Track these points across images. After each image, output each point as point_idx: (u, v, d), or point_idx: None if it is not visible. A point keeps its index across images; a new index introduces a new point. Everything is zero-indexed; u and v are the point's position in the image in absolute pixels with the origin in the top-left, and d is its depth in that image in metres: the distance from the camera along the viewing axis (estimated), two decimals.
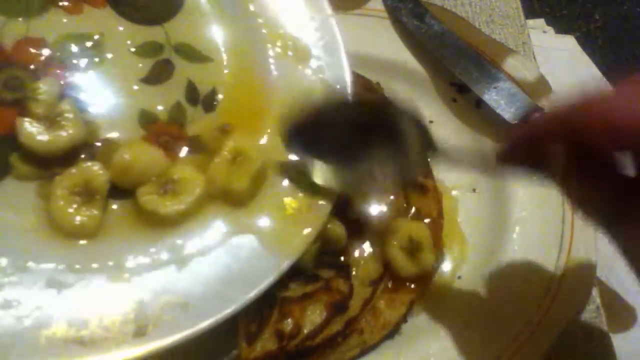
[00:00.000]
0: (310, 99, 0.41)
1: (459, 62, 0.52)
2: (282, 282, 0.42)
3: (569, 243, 0.46)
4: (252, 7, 0.45)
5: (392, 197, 0.46)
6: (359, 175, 0.40)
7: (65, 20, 0.42)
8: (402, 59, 0.54)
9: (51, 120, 0.38)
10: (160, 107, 0.42)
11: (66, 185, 0.37)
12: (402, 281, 0.44)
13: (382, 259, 0.44)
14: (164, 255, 0.38)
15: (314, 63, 0.45)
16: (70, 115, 0.38)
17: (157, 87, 0.42)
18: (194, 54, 0.44)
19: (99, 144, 0.40)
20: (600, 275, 0.49)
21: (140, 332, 0.35)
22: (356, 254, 0.44)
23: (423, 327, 0.45)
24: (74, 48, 0.41)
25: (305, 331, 0.40)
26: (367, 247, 0.45)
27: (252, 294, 0.37)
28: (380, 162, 0.39)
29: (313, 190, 0.40)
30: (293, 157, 0.41)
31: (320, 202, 0.40)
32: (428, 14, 0.54)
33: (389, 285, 0.44)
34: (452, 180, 0.51)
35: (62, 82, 0.40)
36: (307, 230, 0.39)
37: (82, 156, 0.39)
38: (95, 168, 0.38)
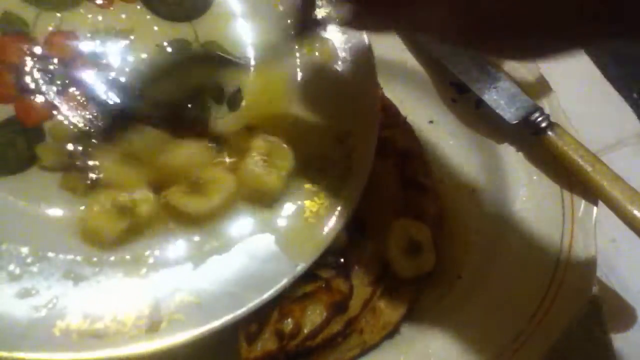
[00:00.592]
0: None
1: (459, 62, 0.52)
2: None
3: (569, 243, 0.46)
4: (281, 7, 0.45)
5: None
6: None
7: (96, 15, 0.41)
8: (402, 59, 0.54)
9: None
10: (185, 104, 0.42)
11: (109, 203, 0.38)
12: (402, 281, 0.44)
13: (382, 259, 0.44)
14: (182, 253, 0.38)
15: (340, 65, 0.45)
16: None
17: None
18: (222, 52, 0.44)
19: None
20: (600, 275, 0.49)
21: (153, 328, 0.35)
22: (356, 254, 0.44)
23: (423, 327, 0.45)
24: (105, 42, 0.41)
25: (306, 331, 0.40)
26: (367, 247, 0.45)
27: (266, 295, 0.37)
28: None
29: (332, 194, 0.41)
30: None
31: (339, 207, 0.40)
32: None
33: (389, 285, 0.44)
34: (452, 180, 0.51)
35: (87, 75, 0.40)
36: (323, 235, 0.40)
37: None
38: (145, 196, 0.38)
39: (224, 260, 0.38)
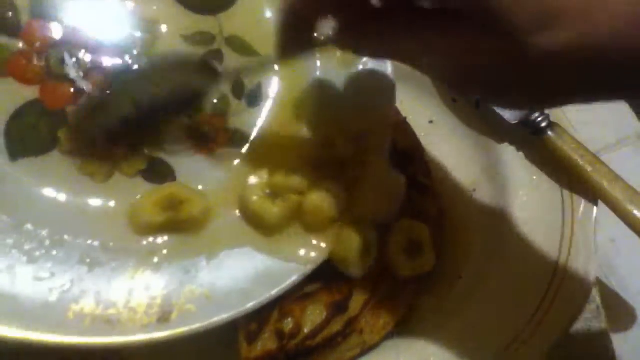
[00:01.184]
0: None
1: None
2: None
3: (568, 243, 0.46)
4: None
5: None
6: None
7: (125, 2, 0.41)
8: None
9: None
10: (206, 99, 0.42)
11: (159, 200, 0.38)
12: (402, 281, 0.44)
13: (382, 259, 0.44)
14: (197, 245, 0.38)
15: (360, 68, 0.45)
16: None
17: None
18: (244, 48, 0.44)
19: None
20: (600, 276, 0.49)
21: (164, 318, 0.36)
22: None
23: (423, 327, 0.45)
24: (127, 28, 0.41)
25: (306, 331, 0.40)
26: None
27: (275, 291, 0.38)
28: None
29: (345, 194, 0.41)
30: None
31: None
32: None
33: (389, 285, 0.44)
34: (452, 180, 0.51)
35: (113, 63, 0.40)
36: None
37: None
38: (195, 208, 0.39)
39: (235, 255, 0.39)
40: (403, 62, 0.32)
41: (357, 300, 0.42)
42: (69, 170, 0.38)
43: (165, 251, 0.38)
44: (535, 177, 0.49)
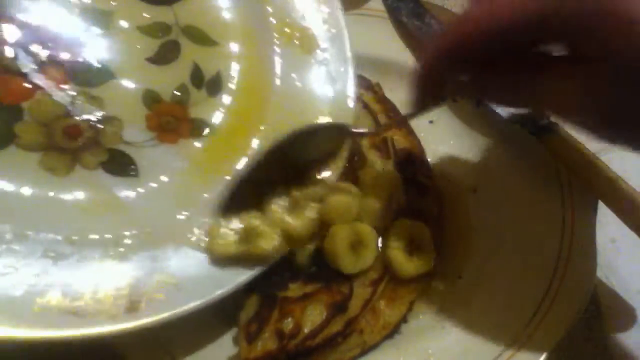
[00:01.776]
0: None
1: None
2: (282, 282, 0.42)
3: (569, 243, 0.46)
4: None
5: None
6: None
7: None
8: (402, 59, 0.54)
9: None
10: (164, 88, 0.42)
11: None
12: (402, 281, 0.44)
13: (382, 259, 0.44)
14: (163, 234, 0.38)
15: (319, 54, 0.45)
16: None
17: (162, 68, 0.43)
18: (201, 37, 0.44)
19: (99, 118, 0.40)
20: (600, 276, 0.49)
21: (133, 308, 0.36)
22: None
23: (423, 327, 0.45)
24: (83, 22, 0.41)
25: (306, 331, 0.40)
26: None
27: (243, 278, 0.38)
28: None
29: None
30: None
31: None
32: (428, 14, 0.54)
33: (389, 286, 0.44)
34: (452, 180, 0.51)
35: (69, 57, 0.40)
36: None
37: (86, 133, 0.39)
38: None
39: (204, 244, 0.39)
40: (541, 110, 0.33)
41: (357, 300, 0.42)
42: (28, 164, 0.38)
43: (130, 241, 0.38)
44: (535, 177, 0.49)
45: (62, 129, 0.39)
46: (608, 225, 0.46)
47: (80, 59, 0.40)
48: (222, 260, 0.39)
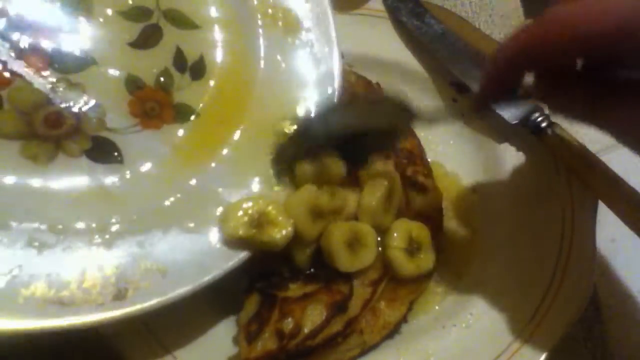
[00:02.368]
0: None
1: (459, 62, 0.52)
2: (282, 282, 0.42)
3: (568, 243, 0.46)
4: None
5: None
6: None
7: None
8: (402, 59, 0.54)
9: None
10: (147, 73, 0.42)
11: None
12: (402, 281, 0.44)
13: (382, 259, 0.44)
14: (148, 221, 0.38)
15: (303, 35, 0.45)
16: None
17: (144, 52, 0.42)
18: (183, 21, 0.43)
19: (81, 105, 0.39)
20: (600, 276, 0.49)
21: (120, 296, 0.36)
22: None
23: (423, 327, 0.45)
24: (62, 7, 0.40)
25: (306, 331, 0.40)
26: None
27: (230, 264, 0.38)
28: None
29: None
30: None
31: None
32: (428, 14, 0.54)
33: (389, 286, 0.44)
34: (453, 180, 0.51)
35: (49, 44, 0.39)
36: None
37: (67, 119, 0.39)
38: None
39: (190, 230, 0.39)
40: (604, 131, 0.33)
41: (357, 300, 0.42)
42: (9, 153, 0.37)
43: (116, 228, 0.38)
44: (535, 177, 0.49)
45: (43, 117, 0.38)
46: (608, 225, 0.46)
47: (60, 45, 0.40)
48: (227, 241, 0.39)
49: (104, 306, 0.35)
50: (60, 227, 0.37)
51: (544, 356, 0.42)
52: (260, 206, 0.39)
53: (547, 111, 0.49)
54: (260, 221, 0.39)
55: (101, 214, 0.38)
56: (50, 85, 0.39)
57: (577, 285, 0.44)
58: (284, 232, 0.39)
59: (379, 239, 0.44)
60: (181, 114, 0.42)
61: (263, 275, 0.42)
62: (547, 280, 0.45)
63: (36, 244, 0.36)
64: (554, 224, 0.47)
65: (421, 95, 0.54)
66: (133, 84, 0.41)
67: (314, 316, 0.41)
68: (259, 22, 0.44)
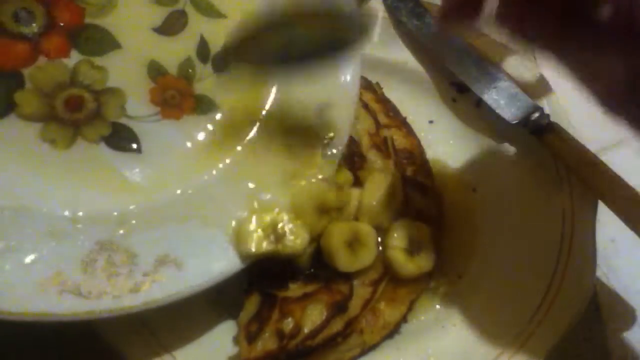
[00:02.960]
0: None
1: (459, 62, 0.52)
2: (283, 282, 0.42)
3: (568, 243, 0.46)
4: None
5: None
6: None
7: None
8: (402, 59, 0.54)
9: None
10: (170, 60, 0.41)
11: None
12: (402, 281, 0.44)
13: (382, 259, 0.44)
14: (164, 213, 0.38)
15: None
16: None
17: (169, 39, 0.41)
18: (209, 9, 0.43)
19: (102, 89, 0.39)
20: (600, 276, 0.49)
21: (135, 289, 0.36)
22: None
23: (423, 327, 0.45)
24: None
25: (306, 331, 0.40)
26: None
27: (247, 261, 0.38)
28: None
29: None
30: None
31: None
32: (428, 14, 0.54)
33: (389, 286, 0.44)
34: (452, 180, 0.51)
35: (73, 23, 0.38)
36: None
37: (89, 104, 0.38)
38: None
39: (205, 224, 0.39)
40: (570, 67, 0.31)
41: (357, 301, 0.42)
42: (28, 136, 0.36)
43: (134, 221, 0.37)
44: (535, 177, 0.49)
45: (64, 99, 0.37)
46: (608, 225, 0.46)
47: (85, 26, 0.39)
48: (247, 257, 0.39)
49: (119, 298, 0.35)
50: (80, 214, 0.36)
51: (544, 356, 0.42)
52: (273, 219, 0.39)
53: (547, 111, 0.49)
54: (277, 234, 0.39)
55: (118, 204, 0.37)
56: (72, 66, 0.38)
57: (577, 285, 0.44)
58: (300, 240, 0.39)
59: (379, 239, 0.44)
60: (201, 105, 0.41)
61: (263, 275, 0.42)
62: (547, 280, 0.45)
63: (55, 232, 0.35)
64: (554, 224, 0.47)
65: (421, 95, 0.54)
66: (155, 71, 0.40)
67: (314, 316, 0.41)
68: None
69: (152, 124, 0.40)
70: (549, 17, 0.29)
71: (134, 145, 0.39)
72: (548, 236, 0.47)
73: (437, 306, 0.46)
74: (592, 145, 0.47)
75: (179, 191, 0.39)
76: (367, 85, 0.51)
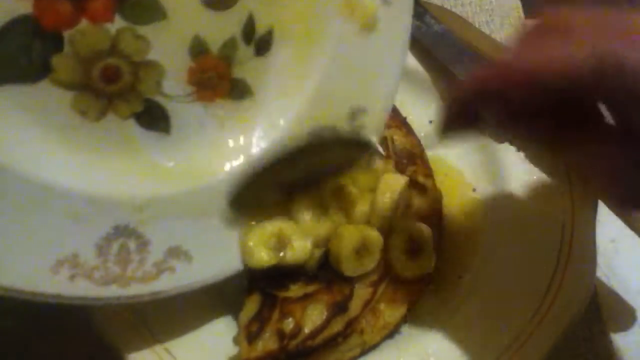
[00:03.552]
0: None
1: (459, 62, 0.52)
2: (283, 282, 0.42)
3: (568, 243, 0.46)
4: None
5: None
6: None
7: None
8: None
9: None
10: (214, 38, 0.38)
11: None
12: (403, 281, 0.44)
13: (383, 260, 0.44)
14: (181, 207, 0.38)
15: (375, 33, 0.41)
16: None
17: (217, 15, 0.37)
18: None
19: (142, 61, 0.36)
20: (600, 275, 0.49)
21: (147, 278, 0.36)
22: None
23: (423, 327, 0.45)
24: None
25: (306, 331, 0.40)
26: None
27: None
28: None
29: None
30: None
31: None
32: (428, 14, 0.54)
33: (390, 286, 0.44)
34: (452, 180, 0.51)
35: None
36: None
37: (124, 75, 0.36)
38: None
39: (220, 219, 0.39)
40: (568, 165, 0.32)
41: (358, 301, 0.42)
42: (59, 104, 0.34)
43: (153, 208, 0.36)
44: (535, 177, 0.49)
45: (101, 68, 0.34)
46: (608, 225, 0.46)
47: None
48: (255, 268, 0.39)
49: (130, 287, 0.35)
50: (99, 196, 0.35)
51: (544, 356, 0.42)
52: (275, 229, 0.40)
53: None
54: (280, 244, 0.39)
55: (142, 187, 0.36)
56: (114, 33, 0.34)
57: (577, 285, 0.44)
58: (303, 249, 0.40)
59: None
60: (236, 90, 0.39)
61: (263, 275, 0.42)
62: (547, 280, 0.45)
63: (73, 213, 0.34)
64: (554, 224, 0.47)
65: (421, 95, 0.54)
66: (197, 48, 0.37)
67: (314, 316, 0.41)
68: (336, 10, 0.40)
69: (184, 105, 0.38)
70: (545, 127, 0.31)
71: (164, 125, 0.37)
72: (548, 236, 0.47)
73: (438, 306, 0.46)
74: None
75: (204, 182, 0.38)
76: None
